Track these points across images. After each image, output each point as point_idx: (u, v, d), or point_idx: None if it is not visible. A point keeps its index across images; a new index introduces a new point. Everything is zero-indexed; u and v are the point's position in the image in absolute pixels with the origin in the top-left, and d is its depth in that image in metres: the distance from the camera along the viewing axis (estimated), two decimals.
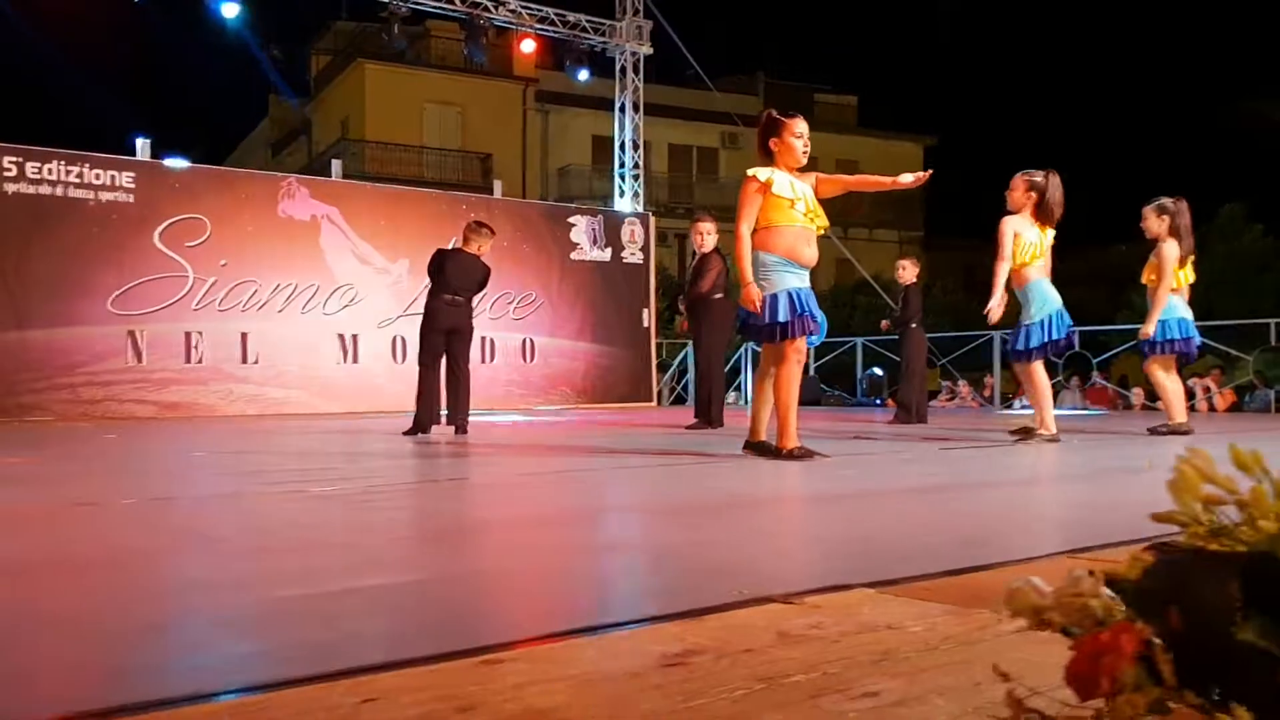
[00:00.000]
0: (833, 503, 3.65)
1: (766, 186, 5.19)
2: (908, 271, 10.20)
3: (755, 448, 5.35)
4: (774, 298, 5.13)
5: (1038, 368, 6.77)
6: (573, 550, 2.55)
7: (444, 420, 7.95)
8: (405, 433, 7.65)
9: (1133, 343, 8.40)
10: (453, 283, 7.80)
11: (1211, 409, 13.10)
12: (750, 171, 5.27)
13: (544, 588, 2.08)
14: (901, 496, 3.84)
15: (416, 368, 8.11)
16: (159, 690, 1.38)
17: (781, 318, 5.11)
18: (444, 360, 7.87)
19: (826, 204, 5.46)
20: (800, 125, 5.34)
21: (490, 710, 1.31)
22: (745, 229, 5.21)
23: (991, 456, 5.81)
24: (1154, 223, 7.57)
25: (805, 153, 5.35)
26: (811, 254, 5.30)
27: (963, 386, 16.15)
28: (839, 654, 1.56)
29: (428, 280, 8.00)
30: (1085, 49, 64.83)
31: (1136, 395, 14.28)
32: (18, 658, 1.60)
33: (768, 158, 5.32)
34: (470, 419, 7.98)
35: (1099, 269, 27.85)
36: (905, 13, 63.53)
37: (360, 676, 1.46)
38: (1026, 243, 6.67)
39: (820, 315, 5.32)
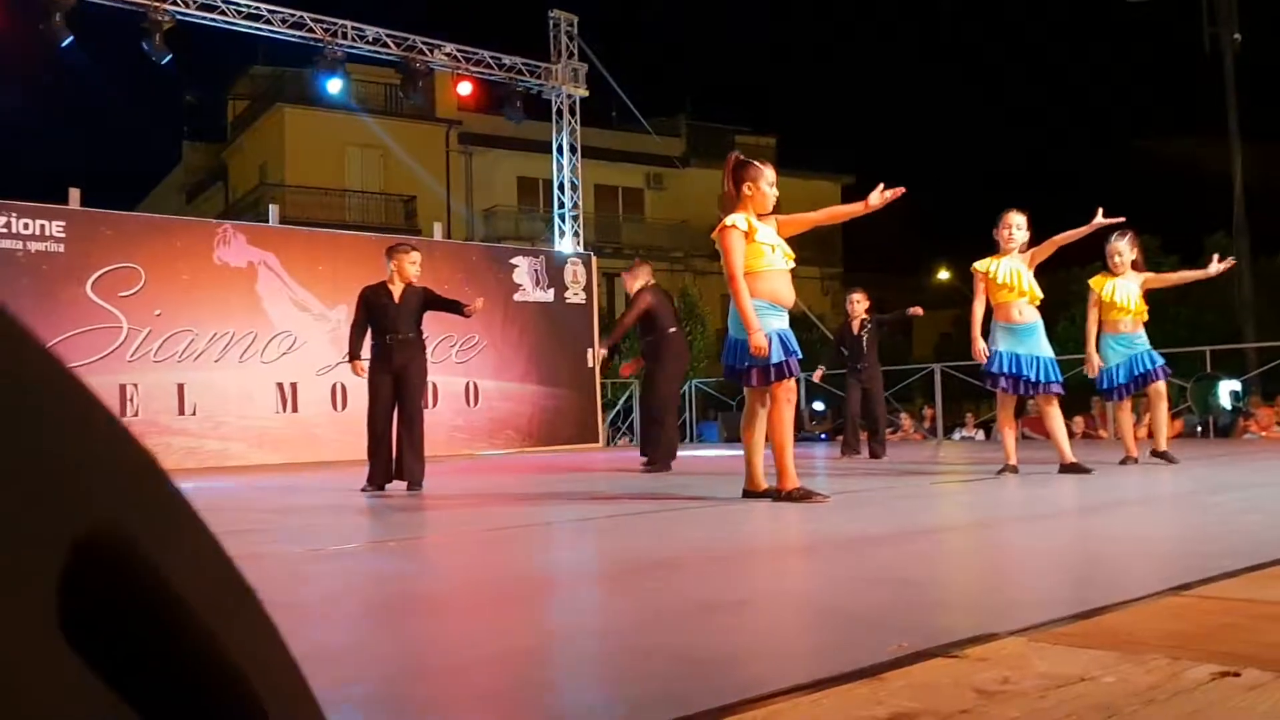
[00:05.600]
0: (880, 545, 3.59)
1: (750, 235, 5.20)
2: (859, 306, 10.18)
3: (757, 497, 5.27)
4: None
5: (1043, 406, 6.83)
6: (689, 609, 2.45)
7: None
8: (362, 489, 6.96)
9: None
10: (387, 321, 7.05)
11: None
12: (729, 220, 5.23)
13: (692, 648, 1.98)
14: (948, 535, 3.81)
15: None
16: None
17: (774, 359, 5.09)
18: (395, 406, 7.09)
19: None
20: (771, 173, 5.42)
21: None
22: (742, 276, 5.18)
23: (979, 491, 5.82)
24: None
25: (774, 199, 5.43)
26: (790, 294, 5.36)
27: (904, 419, 16.32)
28: (1060, 711, 1.50)
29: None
30: (994, 93, 66.85)
31: (1077, 424, 14.54)
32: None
33: (736, 201, 5.34)
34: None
35: None
36: (821, 56, 64.89)
37: None
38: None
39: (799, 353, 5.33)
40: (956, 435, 15.92)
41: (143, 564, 0.35)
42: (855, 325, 10.15)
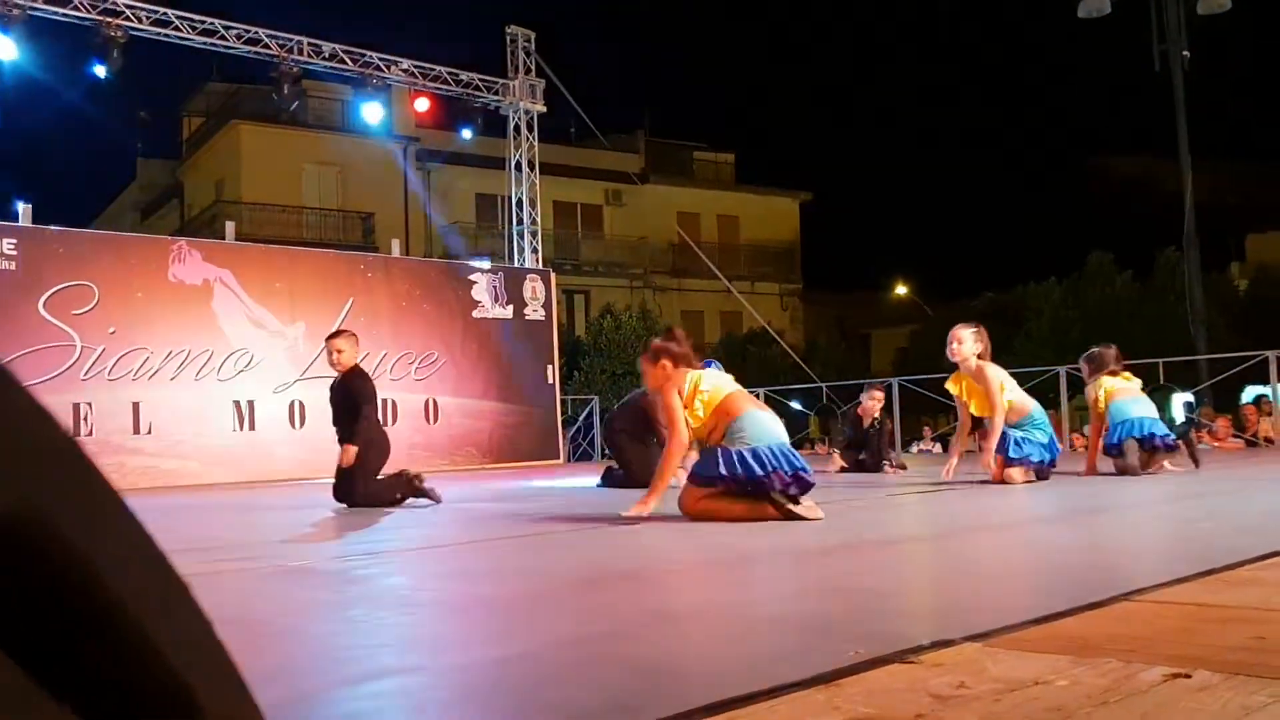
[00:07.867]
0: (837, 555, 3.61)
1: None
2: (876, 405, 10.25)
3: None
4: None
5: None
6: (644, 618, 2.45)
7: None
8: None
9: None
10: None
11: None
12: None
13: (646, 657, 1.97)
14: (906, 545, 3.83)
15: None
16: None
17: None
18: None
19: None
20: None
21: None
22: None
23: (936, 503, 5.87)
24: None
25: None
26: None
27: None
28: (1015, 715, 1.51)
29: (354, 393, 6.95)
30: (951, 111, 67.64)
31: None
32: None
33: None
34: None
35: (970, 317, 28.73)
36: (779, 73, 65.41)
37: None
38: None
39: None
40: (914, 448, 16.02)
41: (62, 547, 0.34)
42: (865, 421, 10.26)
